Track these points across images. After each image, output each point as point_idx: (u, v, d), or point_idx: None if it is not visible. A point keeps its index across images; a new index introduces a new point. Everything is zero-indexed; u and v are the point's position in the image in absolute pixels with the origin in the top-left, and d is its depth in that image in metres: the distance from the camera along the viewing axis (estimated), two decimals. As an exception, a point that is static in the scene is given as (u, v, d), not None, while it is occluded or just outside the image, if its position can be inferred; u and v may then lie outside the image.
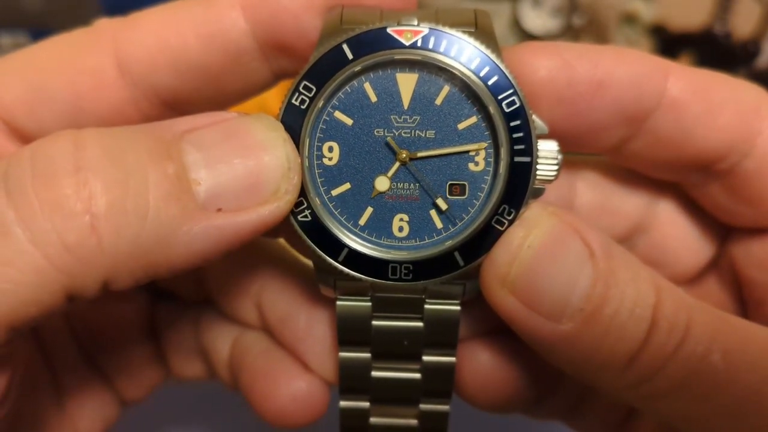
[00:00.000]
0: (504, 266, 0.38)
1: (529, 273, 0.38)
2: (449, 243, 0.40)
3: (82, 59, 0.43)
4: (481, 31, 0.40)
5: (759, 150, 0.43)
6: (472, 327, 0.48)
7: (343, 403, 0.45)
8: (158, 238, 0.35)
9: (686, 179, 0.47)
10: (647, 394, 0.38)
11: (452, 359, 0.44)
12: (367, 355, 0.44)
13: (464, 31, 0.39)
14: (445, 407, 0.45)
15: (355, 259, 0.40)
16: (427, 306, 0.42)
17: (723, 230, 0.49)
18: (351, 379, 0.45)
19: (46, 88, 0.43)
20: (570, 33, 1.08)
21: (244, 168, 0.37)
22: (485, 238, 0.40)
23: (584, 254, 0.38)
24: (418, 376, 0.44)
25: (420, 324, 0.43)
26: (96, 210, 0.33)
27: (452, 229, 0.41)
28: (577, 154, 0.47)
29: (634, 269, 0.38)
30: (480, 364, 0.47)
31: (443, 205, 0.41)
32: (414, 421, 0.46)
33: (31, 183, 0.34)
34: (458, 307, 0.42)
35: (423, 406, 0.45)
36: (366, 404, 0.45)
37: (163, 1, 0.44)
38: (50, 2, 1.11)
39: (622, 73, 0.42)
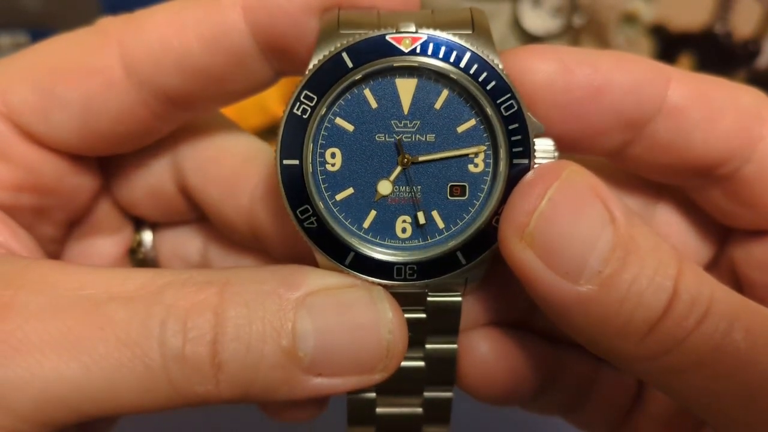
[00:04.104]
0: (524, 216, 0.38)
1: (549, 226, 0.37)
2: (452, 243, 0.41)
3: (90, 60, 0.43)
4: (479, 33, 0.40)
5: (760, 155, 0.43)
6: (472, 318, 0.48)
7: (350, 395, 0.46)
8: (258, 392, 0.39)
9: (686, 183, 0.47)
10: (665, 368, 0.38)
11: (454, 346, 0.45)
12: None
13: (462, 34, 0.40)
14: (448, 394, 0.46)
15: (362, 261, 0.41)
16: (429, 298, 0.43)
17: (722, 231, 0.49)
18: None
19: (56, 91, 0.43)
20: (570, 33, 1.09)
21: (349, 346, 0.39)
22: (486, 237, 0.41)
23: (605, 218, 0.37)
24: (422, 364, 0.45)
25: (423, 315, 0.44)
26: (221, 377, 0.38)
27: (454, 229, 0.42)
28: (576, 156, 0.47)
29: (655, 240, 0.38)
30: (480, 355, 0.48)
31: (422, 219, 0.42)
32: (419, 410, 0.47)
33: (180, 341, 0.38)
34: (460, 298, 0.44)
35: (427, 394, 0.46)
36: (372, 395, 0.46)
37: (162, 0, 0.44)
38: (50, 2, 1.11)
39: (621, 78, 0.42)
